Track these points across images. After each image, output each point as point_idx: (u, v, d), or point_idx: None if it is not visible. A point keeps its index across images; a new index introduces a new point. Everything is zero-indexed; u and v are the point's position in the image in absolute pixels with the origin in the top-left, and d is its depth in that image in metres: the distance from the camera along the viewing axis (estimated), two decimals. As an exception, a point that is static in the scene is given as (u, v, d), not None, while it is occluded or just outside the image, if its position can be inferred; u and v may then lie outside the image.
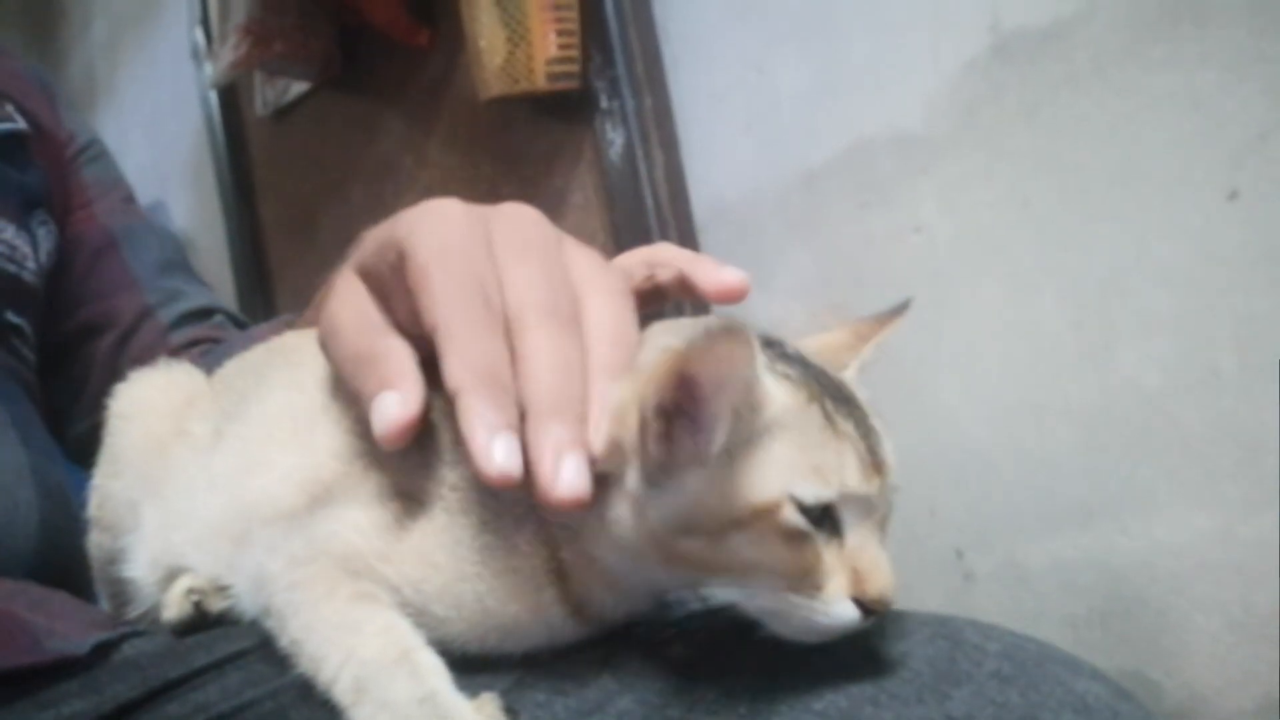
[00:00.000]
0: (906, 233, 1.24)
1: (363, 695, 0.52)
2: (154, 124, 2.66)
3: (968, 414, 1.20)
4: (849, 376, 0.61)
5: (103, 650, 0.65)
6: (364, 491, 0.61)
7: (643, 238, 1.47)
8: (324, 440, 0.64)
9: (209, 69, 2.14)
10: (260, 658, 0.60)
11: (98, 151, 1.13)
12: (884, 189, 1.26)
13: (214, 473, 0.70)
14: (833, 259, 1.32)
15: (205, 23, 2.27)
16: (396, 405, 0.55)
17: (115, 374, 0.88)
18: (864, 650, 0.56)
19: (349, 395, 0.64)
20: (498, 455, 0.51)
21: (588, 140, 1.57)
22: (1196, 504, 1.03)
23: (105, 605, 0.80)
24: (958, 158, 1.20)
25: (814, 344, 0.63)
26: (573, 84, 1.53)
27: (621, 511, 0.55)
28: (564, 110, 1.59)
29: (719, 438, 0.53)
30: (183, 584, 0.68)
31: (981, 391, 1.19)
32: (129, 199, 1.15)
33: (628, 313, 0.58)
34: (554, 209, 1.66)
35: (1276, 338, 0.97)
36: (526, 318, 0.54)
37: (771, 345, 0.58)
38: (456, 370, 0.52)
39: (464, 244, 0.55)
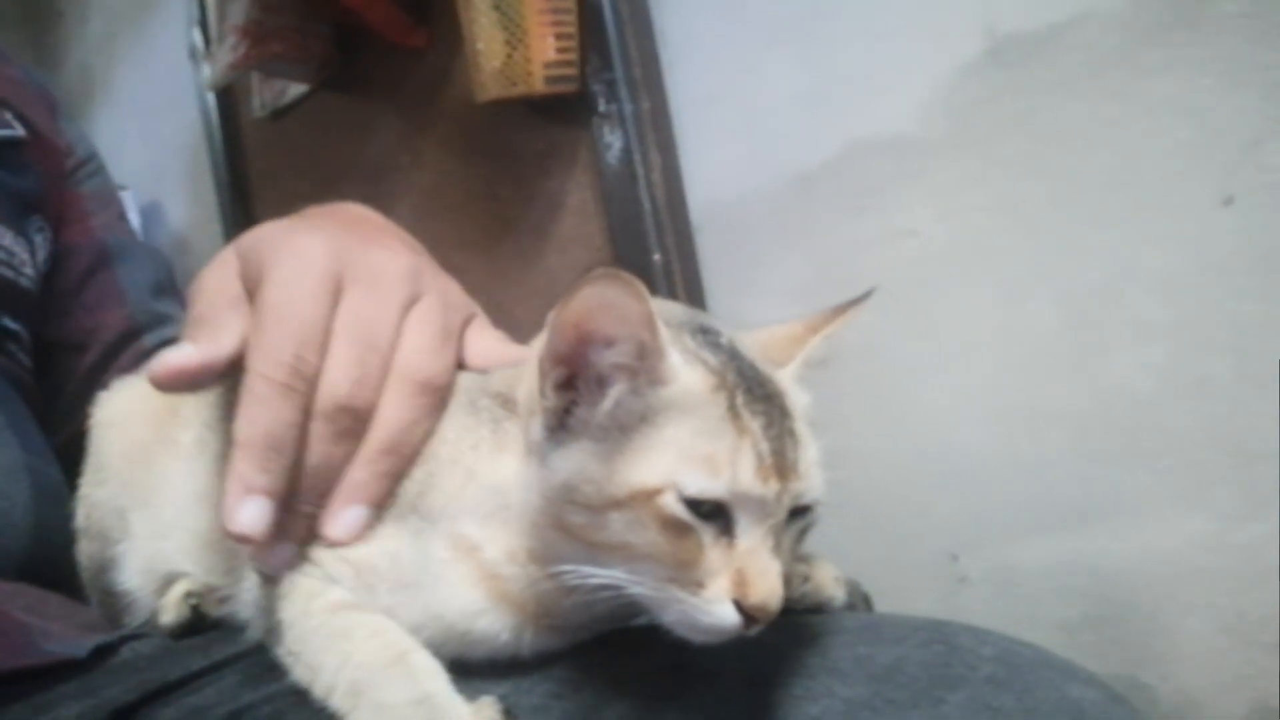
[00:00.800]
0: (900, 236, 1.24)
1: (360, 699, 0.53)
2: (151, 124, 2.66)
3: (960, 418, 1.20)
4: (787, 373, 0.59)
5: (100, 653, 0.65)
6: None
7: (639, 240, 1.47)
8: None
9: (206, 70, 2.14)
10: (257, 661, 0.61)
11: (96, 166, 1.13)
12: (878, 192, 1.27)
13: (200, 486, 0.70)
14: (826, 262, 1.32)
15: (203, 24, 2.27)
16: (182, 352, 0.58)
17: (90, 394, 0.89)
18: (858, 655, 0.57)
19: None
20: (242, 515, 0.55)
21: (585, 143, 1.58)
22: (1189, 509, 1.03)
23: (95, 608, 0.80)
24: (951, 162, 1.20)
25: (763, 336, 0.62)
26: (570, 87, 1.53)
27: (528, 468, 0.56)
28: (561, 113, 1.59)
29: (611, 397, 0.54)
30: (180, 588, 0.68)
31: (974, 396, 1.19)
32: (123, 216, 1.15)
33: (417, 414, 0.60)
34: (551, 211, 1.66)
35: (1270, 344, 0.97)
36: (324, 404, 0.57)
37: (705, 332, 0.58)
38: (244, 425, 0.56)
39: (305, 304, 0.58)
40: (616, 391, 0.54)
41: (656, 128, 1.48)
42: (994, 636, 0.59)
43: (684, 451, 0.52)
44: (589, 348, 0.54)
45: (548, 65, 1.50)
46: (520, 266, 1.70)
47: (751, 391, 0.54)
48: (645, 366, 0.54)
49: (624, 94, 1.48)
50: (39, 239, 1.01)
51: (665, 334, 0.54)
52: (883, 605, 0.79)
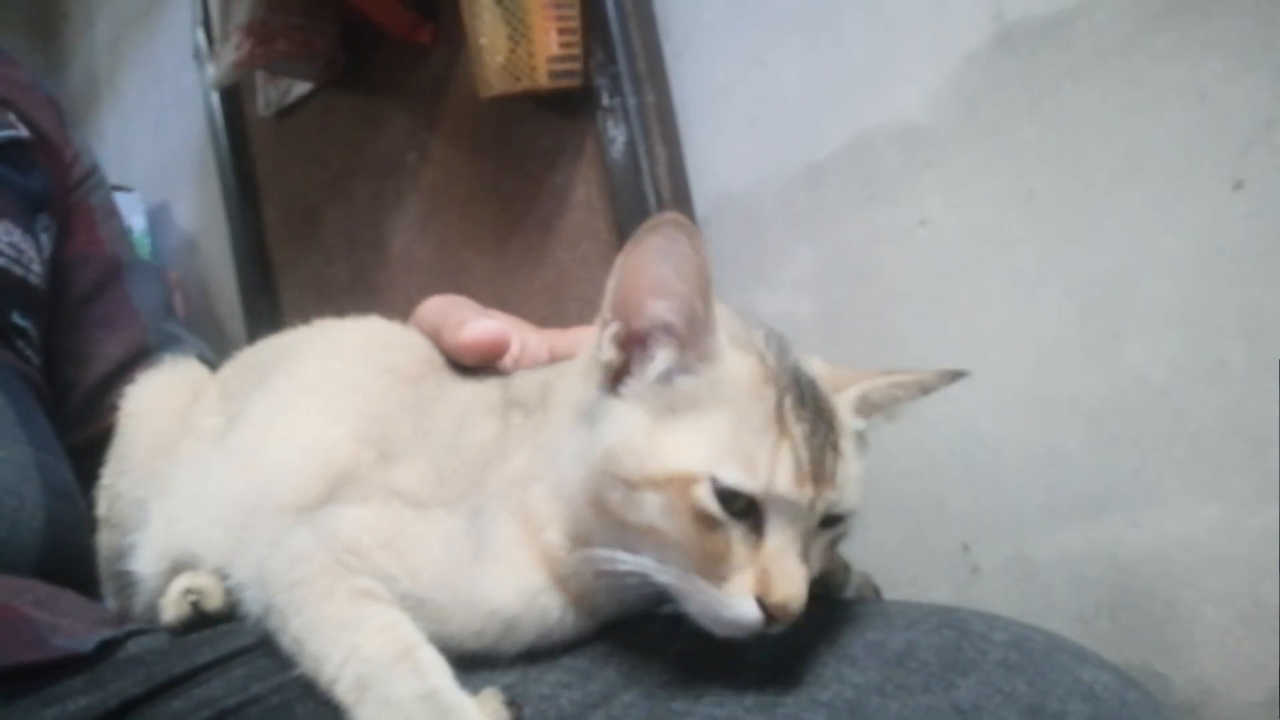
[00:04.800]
0: (911, 226, 1.23)
1: (365, 693, 0.52)
2: (157, 125, 2.66)
3: (974, 408, 1.20)
4: (844, 398, 0.60)
5: (108, 647, 0.65)
6: (370, 488, 0.62)
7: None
8: (347, 418, 0.67)
9: (211, 70, 2.14)
10: (265, 653, 0.60)
11: (100, 178, 1.14)
12: (888, 183, 1.26)
13: (218, 467, 0.71)
14: (837, 253, 1.31)
15: (206, 24, 2.27)
16: (488, 326, 0.72)
17: (96, 407, 0.94)
18: (870, 641, 0.56)
19: (375, 379, 0.70)
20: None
21: (590, 137, 1.57)
22: (1204, 497, 1.02)
23: (110, 600, 0.81)
24: (962, 150, 1.19)
25: (837, 369, 0.62)
26: (574, 81, 1.52)
27: (576, 434, 0.58)
28: (566, 107, 1.59)
29: (659, 361, 0.55)
30: (180, 584, 0.68)
31: (988, 385, 1.18)
32: (124, 230, 1.17)
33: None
34: (557, 206, 1.66)
35: (1283, 329, 0.96)
36: None
37: (778, 341, 0.58)
38: None
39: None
40: (664, 357, 0.55)
41: (661, 121, 1.47)
42: (1006, 622, 0.58)
43: (725, 443, 0.53)
44: (645, 300, 0.55)
45: (551, 60, 1.50)
46: (527, 262, 1.70)
47: (802, 399, 0.55)
48: (693, 336, 0.55)
49: (628, 88, 1.47)
50: (44, 238, 1.01)
51: (718, 308, 0.55)
52: (895, 597, 0.79)
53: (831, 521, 0.56)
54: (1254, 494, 0.99)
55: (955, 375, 0.63)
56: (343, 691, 0.53)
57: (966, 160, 1.19)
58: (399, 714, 0.51)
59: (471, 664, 0.57)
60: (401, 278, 1.95)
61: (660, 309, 0.55)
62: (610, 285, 0.56)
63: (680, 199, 1.47)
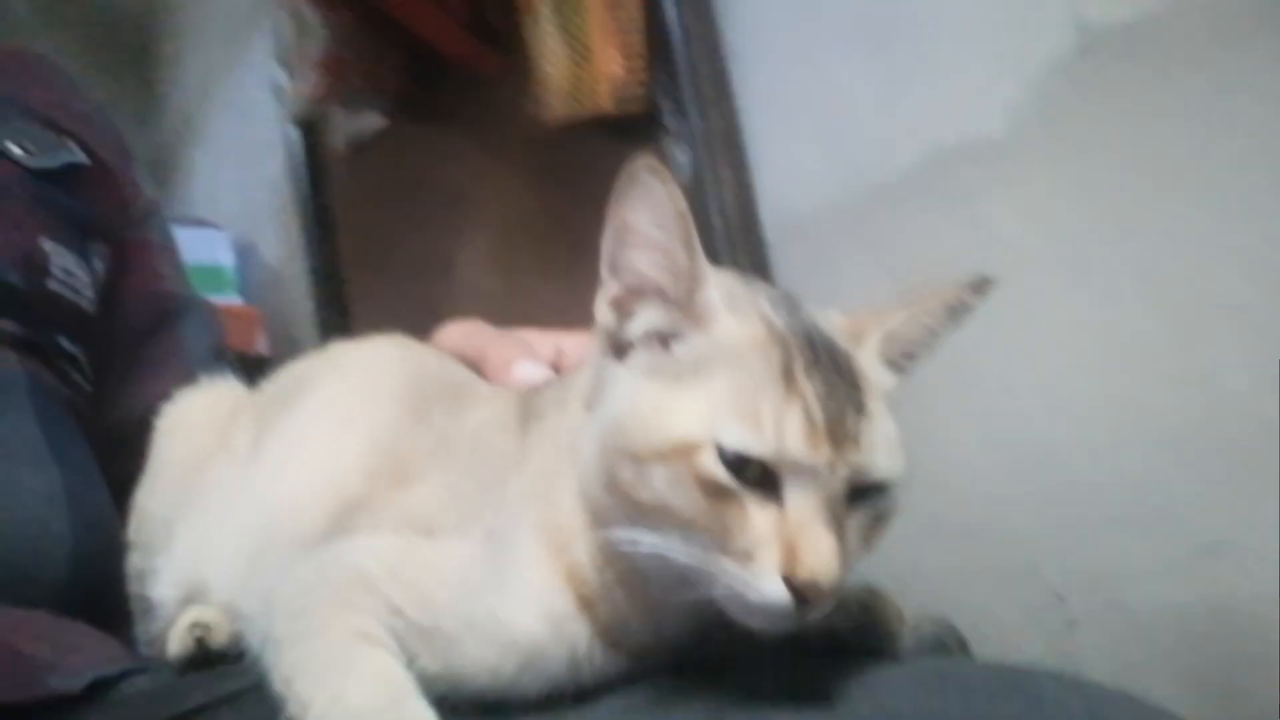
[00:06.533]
0: (990, 246, 1.16)
1: None
2: (243, 163, 2.73)
3: (1064, 442, 1.11)
4: (867, 352, 0.54)
5: (101, 687, 0.62)
6: (381, 516, 0.59)
7: (712, 258, 1.40)
8: (353, 448, 0.65)
9: (290, 106, 2.19)
10: (257, 698, 0.57)
11: (160, 214, 1.16)
12: (964, 201, 1.19)
13: (249, 479, 0.71)
14: (910, 277, 1.24)
15: (286, 60, 2.33)
16: (534, 373, 0.75)
17: (137, 442, 0.91)
18: (921, 708, 0.49)
19: (384, 405, 0.68)
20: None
21: (654, 162, 1.54)
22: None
23: (138, 625, 0.80)
24: (1044, 167, 1.12)
25: (859, 315, 0.57)
26: (638, 105, 1.50)
27: (588, 417, 0.55)
28: (629, 132, 1.55)
29: (642, 318, 0.53)
30: (188, 617, 0.66)
31: (1078, 420, 1.10)
32: (181, 264, 1.17)
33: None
34: (623, 234, 1.63)
35: None
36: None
37: (786, 301, 0.54)
38: None
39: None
40: (648, 315, 0.52)
41: (727, 143, 1.44)
42: (1086, 687, 0.50)
43: (727, 404, 0.49)
44: (626, 252, 0.53)
45: (615, 84, 1.47)
46: (596, 291, 1.67)
47: (816, 359, 0.50)
48: (681, 293, 0.52)
49: (692, 110, 1.44)
50: (97, 263, 1.02)
51: (715, 271, 0.52)
52: (983, 653, 0.72)
53: (867, 495, 0.50)
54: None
55: (982, 283, 0.55)
56: None
57: (1049, 177, 1.12)
58: None
59: (482, 710, 0.52)
60: (473, 309, 1.93)
61: (642, 262, 0.52)
62: (603, 244, 0.54)
63: (748, 223, 1.42)
